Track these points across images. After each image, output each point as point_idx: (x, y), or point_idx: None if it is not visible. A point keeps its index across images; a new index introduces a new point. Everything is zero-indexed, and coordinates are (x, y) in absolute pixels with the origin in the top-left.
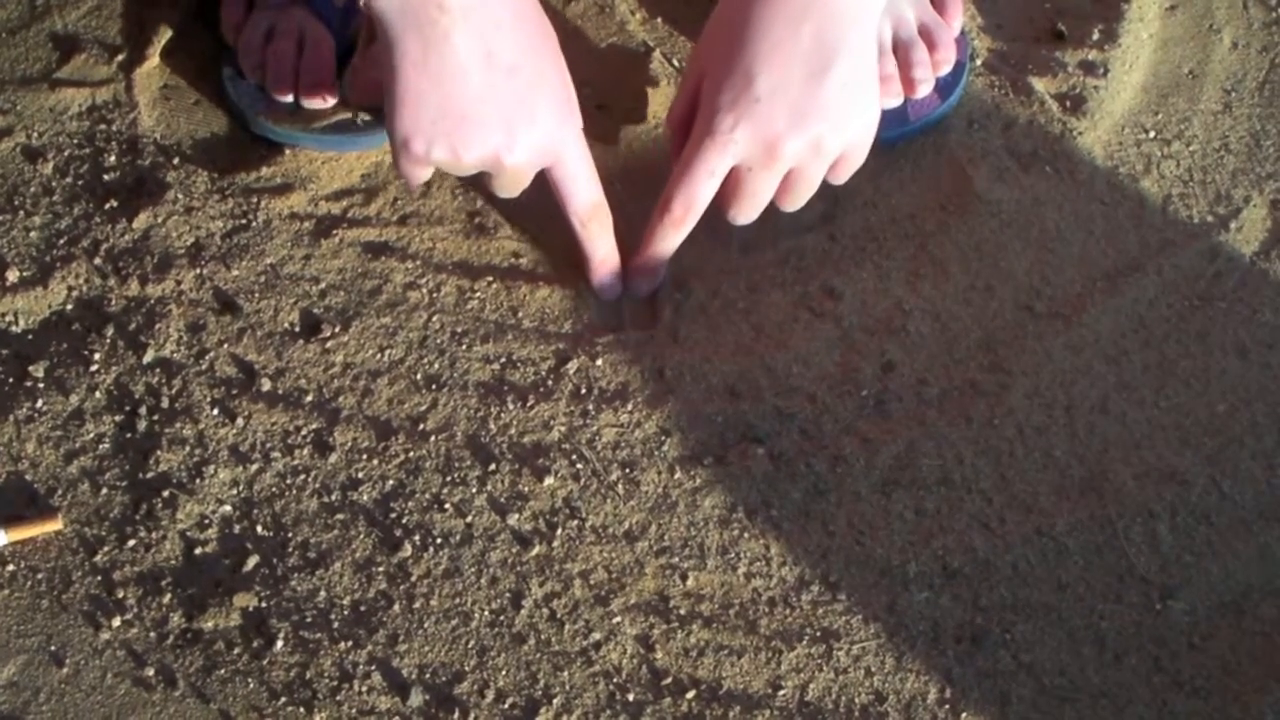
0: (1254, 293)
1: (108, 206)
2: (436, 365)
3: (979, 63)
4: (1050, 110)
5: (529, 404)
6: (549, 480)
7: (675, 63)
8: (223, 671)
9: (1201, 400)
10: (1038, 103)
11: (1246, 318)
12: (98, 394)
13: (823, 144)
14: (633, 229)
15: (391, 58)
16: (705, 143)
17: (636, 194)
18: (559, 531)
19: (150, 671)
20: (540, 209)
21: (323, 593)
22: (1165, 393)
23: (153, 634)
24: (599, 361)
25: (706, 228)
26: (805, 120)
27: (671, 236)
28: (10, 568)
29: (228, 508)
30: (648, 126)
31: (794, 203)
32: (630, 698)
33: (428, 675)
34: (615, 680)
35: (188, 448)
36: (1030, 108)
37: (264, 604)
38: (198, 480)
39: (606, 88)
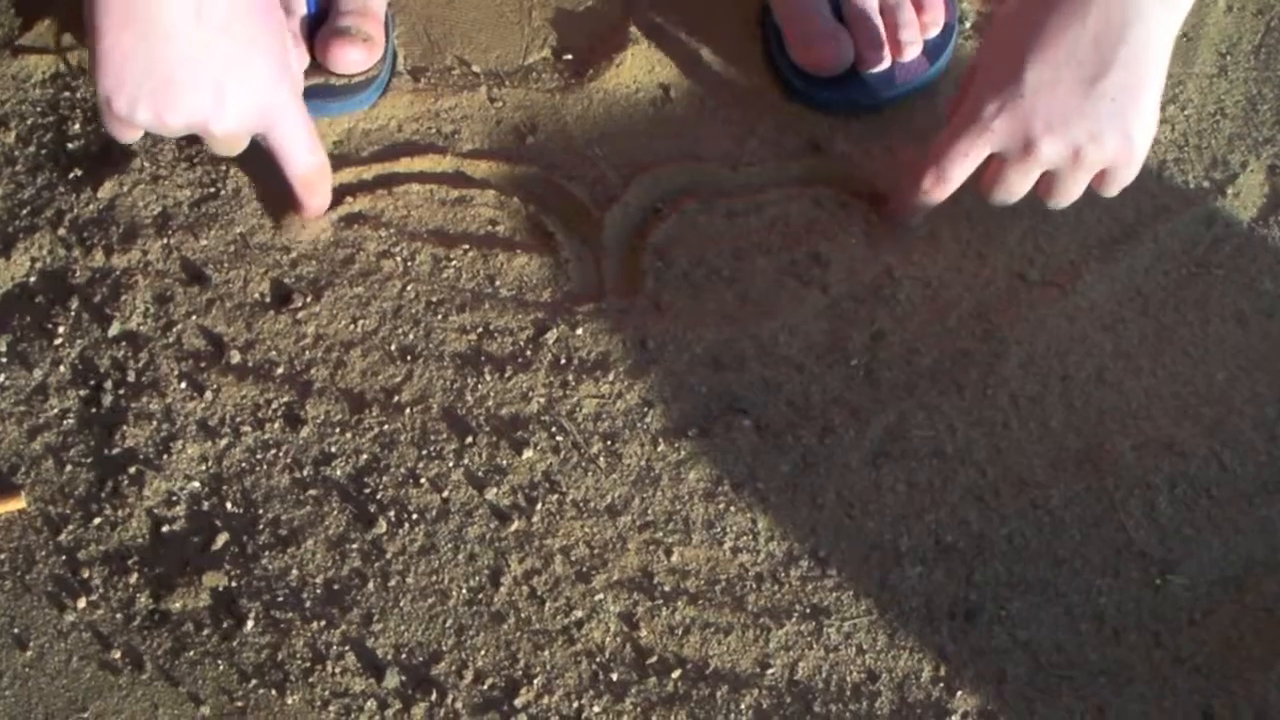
0: (1252, 259)
1: (72, 175)
2: (411, 336)
3: (968, 25)
4: None
5: (507, 375)
6: (528, 453)
7: (653, 23)
8: (191, 653)
9: (1200, 369)
10: None
11: (1245, 285)
12: (62, 368)
13: (1082, 153)
14: (609, 191)
15: (94, 12)
16: (966, 126)
17: (615, 160)
18: (539, 506)
19: (117, 654)
20: (521, 176)
21: (294, 571)
22: (1163, 362)
23: (119, 615)
24: (579, 331)
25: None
26: (1065, 125)
27: (919, 202)
28: None
29: (196, 484)
30: (626, 90)
31: (1055, 203)
32: (614, 677)
33: (404, 655)
34: (598, 659)
35: (155, 423)
36: None
37: (234, 583)
38: (165, 456)
39: (584, 51)
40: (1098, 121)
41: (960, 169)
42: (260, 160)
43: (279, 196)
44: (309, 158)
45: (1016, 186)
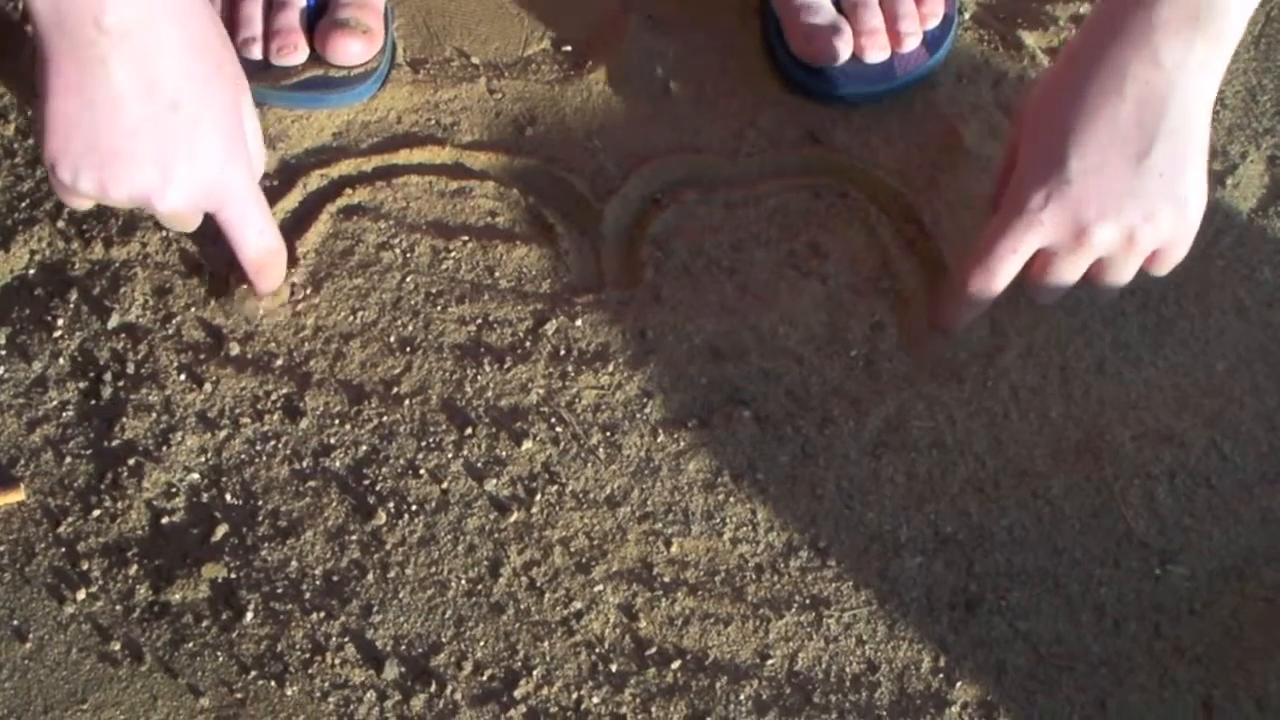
0: (1252, 250)
1: None
2: (411, 327)
3: (967, 16)
4: (1041, 64)
5: (506, 366)
6: (527, 444)
7: (652, 15)
8: (191, 645)
9: (1200, 360)
10: (1028, 57)
11: (1245, 275)
12: (61, 360)
13: (1136, 235)
14: (608, 182)
15: (45, 75)
16: (1012, 220)
17: (615, 151)
18: (538, 497)
19: (116, 646)
20: (521, 167)
21: (294, 563)
22: (1163, 353)
23: (119, 607)
24: (578, 322)
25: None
26: (1118, 208)
27: (963, 314)
28: None
29: (195, 476)
30: (625, 81)
31: (1107, 291)
32: (613, 668)
33: (403, 647)
34: (597, 650)
35: (154, 414)
36: (1020, 62)
37: (233, 575)
38: (164, 448)
39: (583, 42)
40: (1150, 199)
41: (1009, 267)
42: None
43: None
44: (259, 240)
45: (1068, 277)
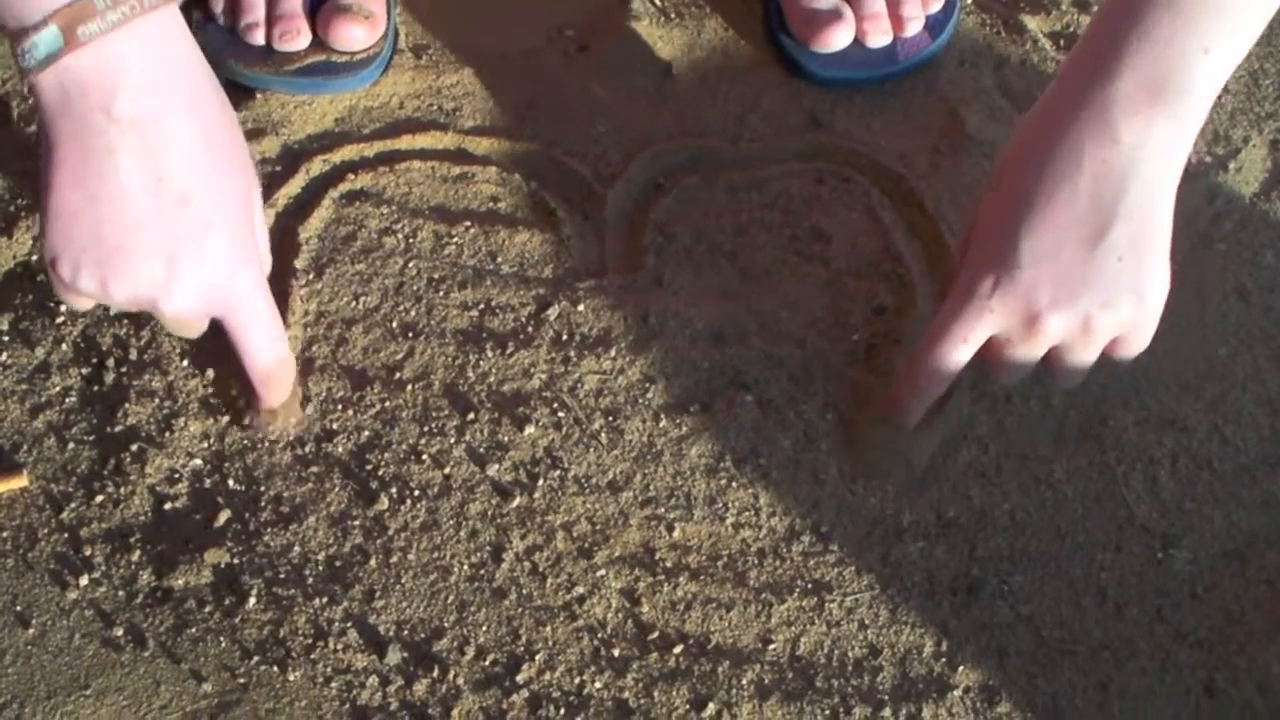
0: (1254, 234)
1: None
2: (413, 312)
3: (969, 0)
4: (1043, 49)
5: (508, 351)
6: (530, 429)
7: (657, 1)
8: (194, 630)
9: (1202, 344)
10: (1030, 41)
11: (1247, 260)
12: (64, 346)
13: (1092, 323)
14: (611, 168)
15: (49, 164)
16: (962, 307)
17: (617, 136)
18: (540, 482)
19: (119, 631)
20: (523, 152)
21: (296, 548)
22: (1165, 337)
23: (121, 592)
24: (580, 307)
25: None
26: (1072, 295)
27: (914, 405)
28: None
29: (198, 461)
30: (628, 66)
31: (1063, 381)
32: (615, 653)
33: (406, 632)
34: (600, 635)
35: (156, 400)
36: (1023, 46)
37: (236, 560)
38: (167, 434)
39: (588, 28)
40: (1107, 286)
41: (959, 355)
42: (260, 137)
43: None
44: (268, 351)
45: (1022, 364)
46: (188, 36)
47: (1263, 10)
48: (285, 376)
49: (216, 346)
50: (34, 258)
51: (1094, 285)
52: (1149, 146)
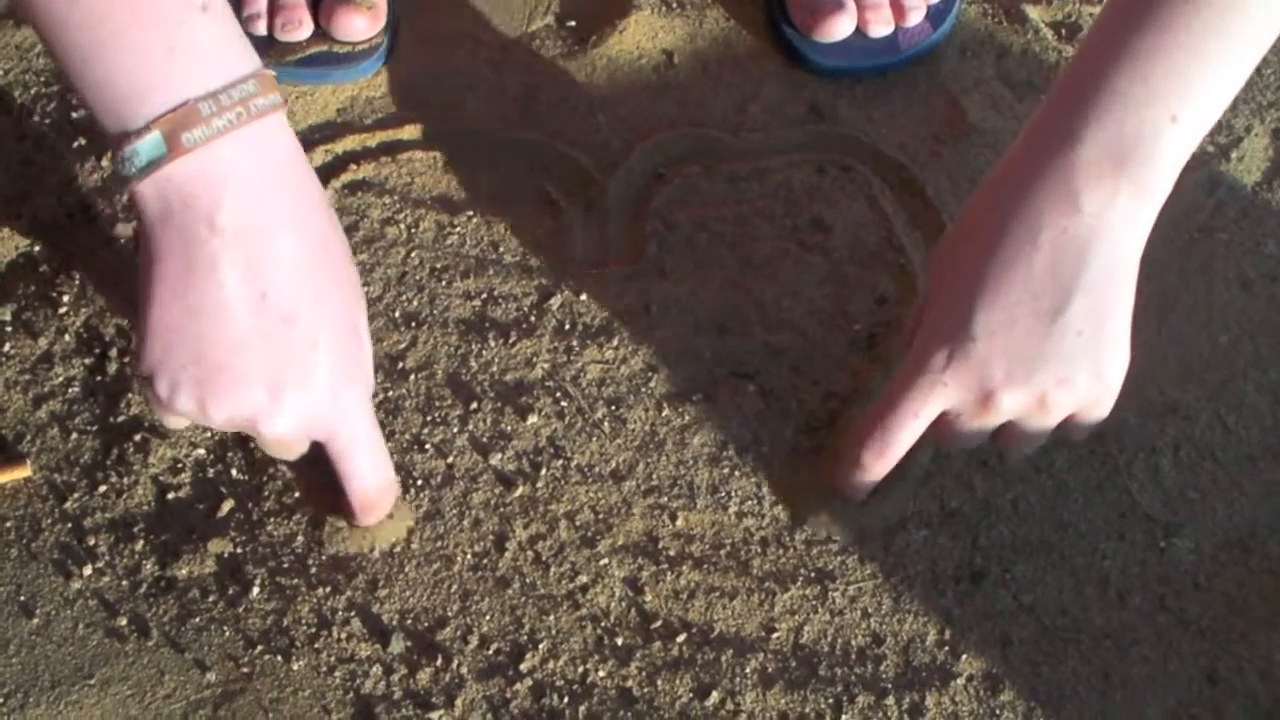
0: (1256, 223)
1: (76, 145)
2: (415, 302)
3: None
4: (1045, 38)
5: (511, 341)
6: (532, 419)
7: None
8: (197, 620)
9: (1204, 333)
10: (1032, 31)
11: (1249, 249)
12: (67, 337)
13: (1048, 400)
14: (612, 157)
15: (148, 277)
16: (913, 380)
17: (618, 126)
18: (543, 472)
19: (123, 621)
20: (525, 142)
21: (300, 538)
22: (1167, 325)
23: (125, 582)
24: (583, 297)
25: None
26: (1027, 371)
27: (861, 483)
28: None
29: (201, 451)
30: (629, 56)
31: (1013, 453)
32: (619, 642)
33: (409, 621)
34: (603, 624)
35: None
36: (1024, 36)
37: (239, 550)
38: None
39: (587, 17)
40: (1065, 362)
41: (909, 431)
42: None
43: None
44: (373, 475)
45: (974, 439)
46: (293, 142)
47: (1233, 78)
48: (388, 499)
49: None
50: (36, 248)
51: (1051, 361)
52: (1112, 217)
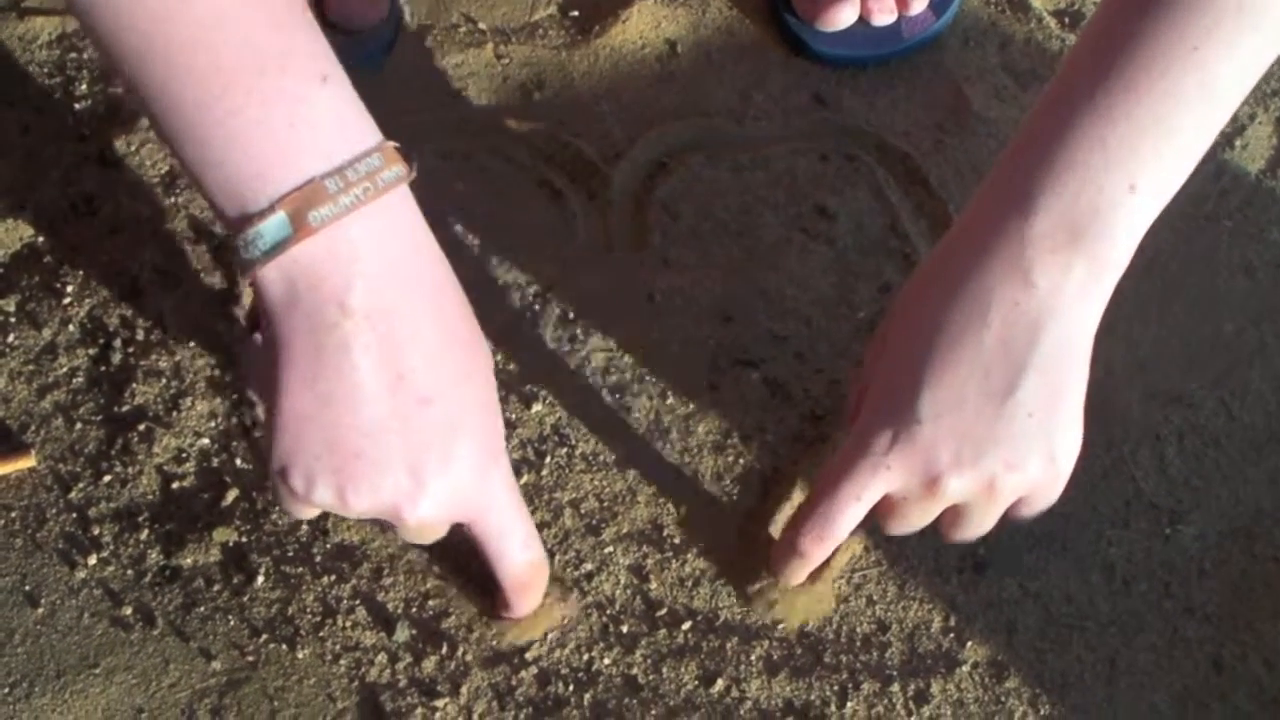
0: (1261, 211)
1: (79, 137)
2: None
3: None
4: (1048, 27)
5: (515, 329)
6: (537, 407)
7: None
8: (203, 609)
9: (1208, 321)
10: (1035, 19)
11: (1253, 236)
12: (71, 327)
13: (997, 484)
14: (616, 146)
15: (276, 365)
16: (855, 462)
17: (622, 115)
18: (548, 460)
19: (128, 610)
20: (528, 132)
21: (304, 526)
22: (1171, 313)
23: (130, 572)
24: (587, 286)
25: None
26: (975, 454)
27: (799, 569)
28: None
29: (205, 441)
30: (632, 46)
31: (961, 538)
32: (624, 629)
33: (414, 609)
34: (608, 612)
35: (164, 380)
36: (1027, 25)
37: (244, 539)
38: (174, 413)
39: (590, 7)
40: (1014, 445)
41: (850, 516)
42: None
43: None
44: (523, 555)
45: (917, 522)
46: (419, 216)
47: (1195, 146)
48: (540, 581)
49: (223, 329)
50: (39, 239)
51: (1001, 444)
52: (1066, 291)
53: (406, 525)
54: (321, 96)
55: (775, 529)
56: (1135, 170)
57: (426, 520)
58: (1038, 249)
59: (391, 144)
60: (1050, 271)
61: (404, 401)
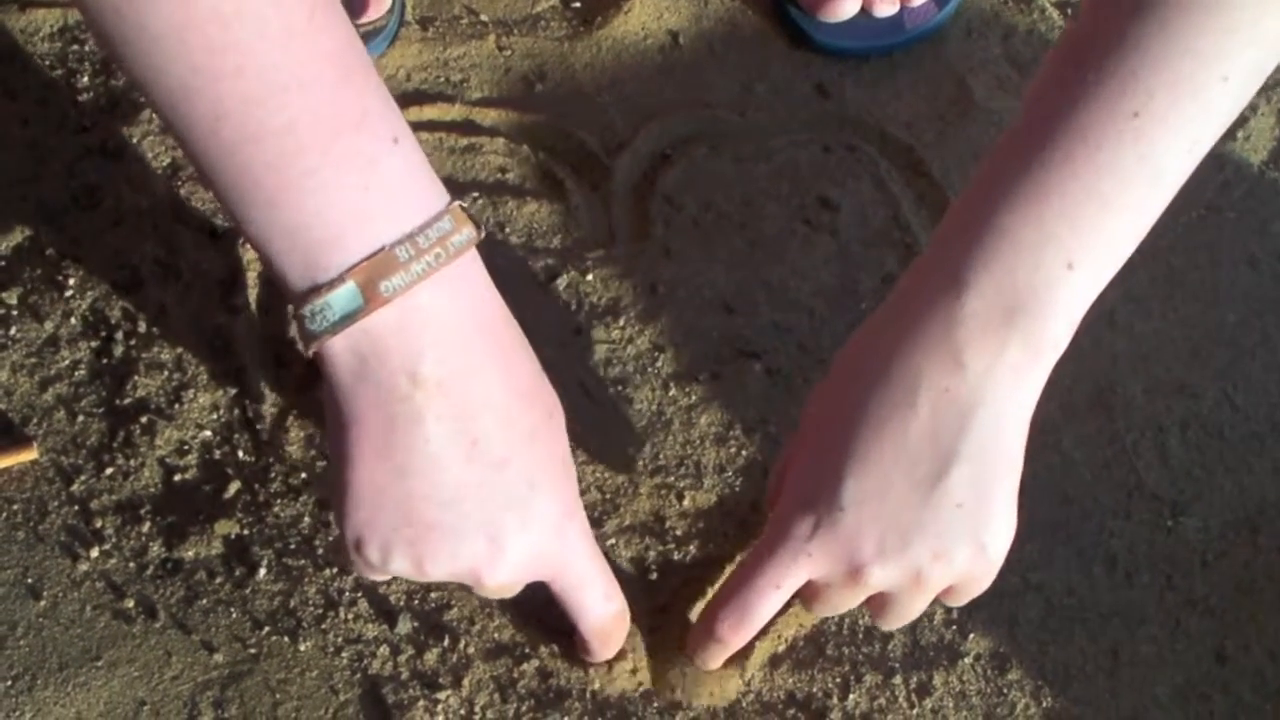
0: (1263, 203)
1: (80, 129)
2: None
3: None
4: (1050, 18)
5: (517, 321)
6: None
7: None
8: (205, 601)
9: (1211, 312)
10: (1038, 10)
11: (1256, 228)
12: (73, 320)
13: (923, 574)
14: (618, 138)
15: (346, 437)
16: (775, 549)
17: (624, 106)
18: None
19: (130, 603)
20: (530, 123)
21: (306, 519)
22: (1174, 304)
23: (132, 564)
24: (589, 277)
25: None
26: (902, 545)
27: (716, 654)
28: None
29: (208, 433)
30: (634, 37)
31: (888, 626)
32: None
33: (416, 602)
34: None
35: (165, 372)
36: (1030, 15)
37: (246, 531)
38: (176, 405)
39: None
40: (942, 535)
41: (769, 603)
42: None
43: None
44: (605, 606)
45: (841, 606)
46: (486, 275)
47: (1135, 225)
48: (621, 629)
49: (225, 321)
50: (41, 231)
51: (927, 534)
52: (998, 375)
53: (486, 588)
54: (395, 158)
55: (694, 615)
56: (1073, 247)
57: (505, 583)
58: (969, 330)
59: (459, 203)
60: (982, 353)
61: (480, 468)
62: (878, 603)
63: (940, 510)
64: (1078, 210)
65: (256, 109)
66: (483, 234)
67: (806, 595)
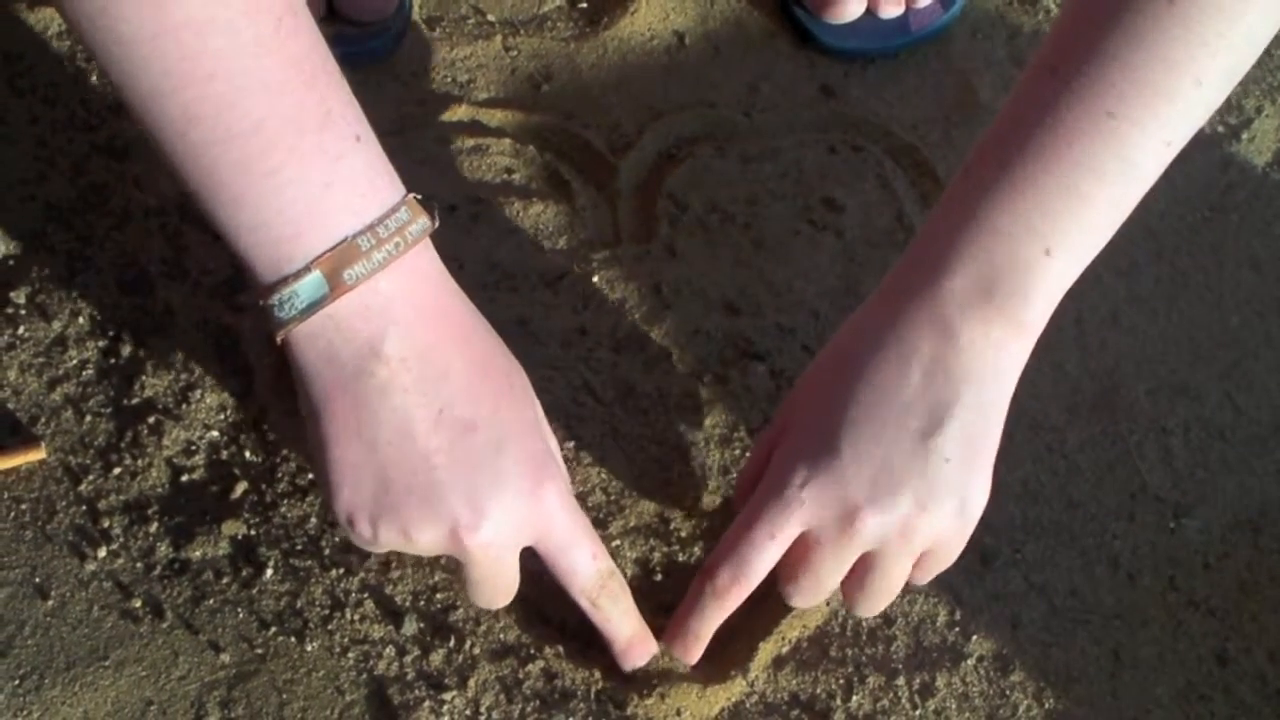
0: (1267, 204)
1: (89, 128)
2: None
3: None
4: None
5: (522, 322)
6: (544, 399)
7: None
8: (211, 601)
9: (1214, 313)
10: (1043, 11)
11: (1260, 229)
12: (81, 319)
13: (909, 526)
14: (624, 138)
15: (318, 417)
16: (770, 499)
17: (630, 107)
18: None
19: (137, 603)
20: (537, 124)
21: (313, 519)
22: (1177, 306)
23: (139, 564)
24: (594, 277)
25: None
26: (892, 490)
27: (713, 611)
28: None
29: (215, 433)
30: (640, 37)
31: (866, 603)
32: None
33: (421, 602)
34: None
35: (173, 372)
36: (1035, 16)
37: (253, 531)
38: (184, 405)
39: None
40: (930, 485)
41: (766, 554)
42: None
43: None
44: (593, 564)
45: (827, 576)
46: (438, 259)
47: (1110, 218)
48: (617, 591)
49: (232, 321)
50: (49, 230)
51: (915, 481)
52: (984, 348)
53: (472, 553)
54: (357, 154)
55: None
56: (1049, 235)
57: (488, 544)
58: (956, 304)
59: (413, 195)
60: (968, 327)
61: (447, 432)
62: (860, 570)
63: (929, 462)
64: (1053, 203)
65: (227, 112)
66: (436, 223)
67: (794, 562)
